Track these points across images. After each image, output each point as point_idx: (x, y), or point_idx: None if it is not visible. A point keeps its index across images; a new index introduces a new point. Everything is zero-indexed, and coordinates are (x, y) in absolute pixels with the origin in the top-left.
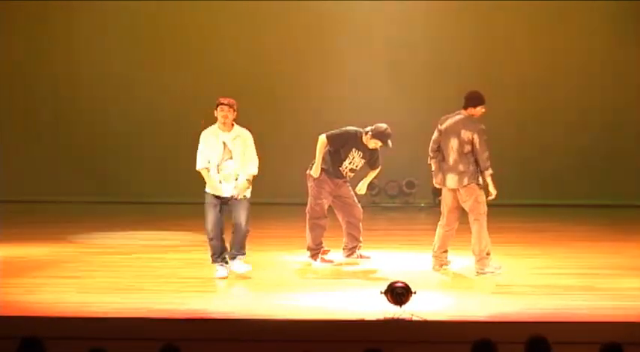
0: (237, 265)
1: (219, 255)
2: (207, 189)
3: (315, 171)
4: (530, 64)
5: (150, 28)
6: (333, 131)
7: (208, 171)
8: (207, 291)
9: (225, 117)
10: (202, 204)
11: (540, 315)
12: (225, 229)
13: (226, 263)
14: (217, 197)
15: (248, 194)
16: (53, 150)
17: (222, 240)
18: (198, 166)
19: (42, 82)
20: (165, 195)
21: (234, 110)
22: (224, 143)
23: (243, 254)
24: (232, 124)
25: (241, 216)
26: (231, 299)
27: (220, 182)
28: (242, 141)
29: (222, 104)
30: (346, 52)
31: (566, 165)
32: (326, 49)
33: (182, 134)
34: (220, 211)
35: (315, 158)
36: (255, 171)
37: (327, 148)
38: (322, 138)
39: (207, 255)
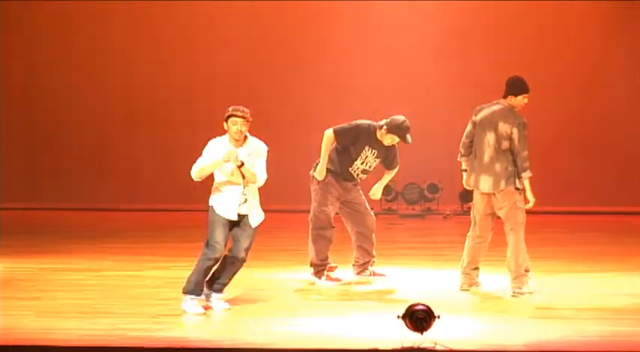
0: (217, 301)
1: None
2: (217, 209)
3: (319, 172)
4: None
5: (147, 28)
6: (341, 125)
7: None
8: (190, 315)
9: (239, 132)
10: (184, 212)
11: (587, 343)
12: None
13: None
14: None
15: (256, 222)
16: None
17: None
18: (194, 175)
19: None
20: (139, 202)
21: (248, 122)
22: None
23: (223, 291)
24: (246, 137)
25: (244, 244)
26: (217, 326)
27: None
28: (256, 156)
29: (234, 115)
30: (358, 48)
31: (616, 169)
32: (337, 47)
33: (157, 136)
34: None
35: (319, 157)
36: (261, 182)
37: (334, 145)
38: (329, 133)
39: (189, 271)
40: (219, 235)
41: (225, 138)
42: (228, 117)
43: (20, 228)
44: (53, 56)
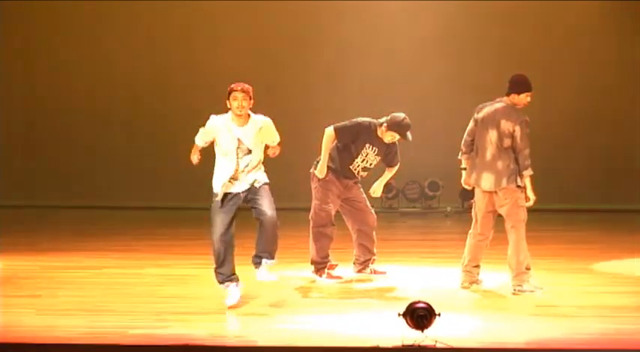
0: (262, 272)
1: (232, 272)
2: (216, 188)
3: (320, 170)
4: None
5: (147, 27)
6: (342, 123)
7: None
8: (191, 313)
9: (241, 107)
10: (185, 210)
11: (588, 341)
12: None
13: (237, 282)
14: (227, 197)
15: (266, 178)
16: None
17: (232, 255)
18: (198, 142)
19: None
20: (140, 200)
21: (250, 98)
22: (239, 140)
23: (272, 257)
24: (248, 115)
25: (263, 203)
26: (219, 323)
27: (232, 181)
28: (264, 133)
29: (235, 90)
30: (359, 47)
31: (617, 166)
32: (340, 46)
33: (158, 134)
34: (232, 217)
35: (320, 154)
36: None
37: (335, 143)
38: (329, 131)
39: (190, 269)
40: (219, 222)
41: (228, 116)
42: (229, 93)
43: (21, 226)
44: (53, 56)
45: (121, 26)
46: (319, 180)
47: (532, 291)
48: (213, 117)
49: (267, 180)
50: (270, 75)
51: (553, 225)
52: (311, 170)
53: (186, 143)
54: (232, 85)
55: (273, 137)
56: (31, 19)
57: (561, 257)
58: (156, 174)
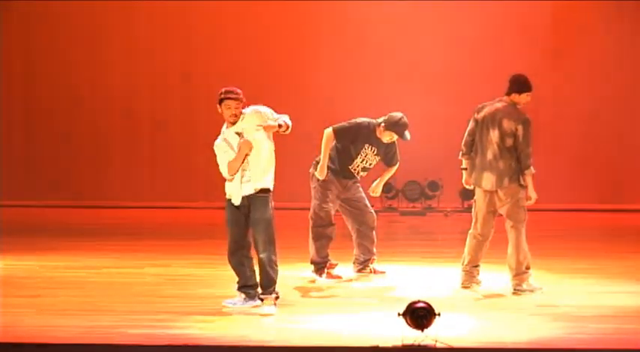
0: (263, 308)
1: (246, 284)
2: (227, 195)
3: (320, 171)
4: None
5: (147, 27)
6: (341, 124)
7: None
8: (192, 313)
9: (234, 116)
10: (184, 209)
11: (588, 341)
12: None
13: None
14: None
15: (257, 186)
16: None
17: (250, 260)
18: (227, 174)
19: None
20: (140, 200)
21: (242, 102)
22: (228, 142)
23: (268, 293)
24: (241, 113)
25: (257, 238)
26: (219, 323)
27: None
28: (248, 121)
29: (228, 99)
30: (358, 46)
31: (617, 166)
32: (339, 46)
33: (157, 133)
34: (244, 226)
35: (319, 154)
36: (288, 121)
37: (334, 144)
38: (328, 132)
39: (190, 269)
40: (231, 235)
41: (223, 128)
42: (220, 100)
43: (20, 226)
44: (53, 56)
45: (121, 26)
46: (318, 179)
47: (532, 291)
48: (215, 144)
49: (262, 185)
50: (269, 75)
51: (553, 225)
52: (310, 170)
53: (186, 143)
54: (223, 92)
55: (259, 120)
56: (31, 19)
57: (561, 257)
58: (156, 174)
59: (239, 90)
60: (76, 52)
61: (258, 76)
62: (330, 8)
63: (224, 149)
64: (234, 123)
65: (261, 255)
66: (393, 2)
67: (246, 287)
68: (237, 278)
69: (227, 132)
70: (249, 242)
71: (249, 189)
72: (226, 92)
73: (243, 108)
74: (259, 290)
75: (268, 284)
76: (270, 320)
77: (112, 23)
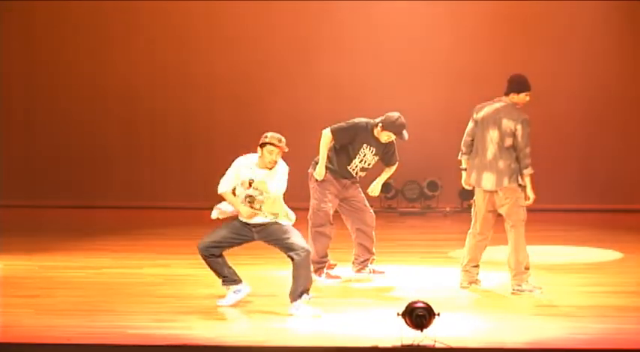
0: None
1: (224, 274)
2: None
3: (319, 172)
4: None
5: (147, 28)
6: (339, 124)
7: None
8: (190, 313)
9: (273, 162)
10: (183, 209)
11: (588, 341)
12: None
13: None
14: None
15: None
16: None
17: (220, 256)
18: (221, 190)
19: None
20: (139, 200)
21: (283, 152)
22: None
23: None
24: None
25: (290, 241)
26: (217, 323)
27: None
28: (271, 176)
29: (272, 144)
30: (358, 46)
31: (614, 167)
32: (339, 46)
33: (157, 134)
34: (237, 237)
35: (318, 154)
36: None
37: (332, 144)
38: (327, 133)
39: (189, 269)
40: (218, 235)
41: (255, 159)
42: (265, 144)
43: (19, 226)
44: (53, 56)
45: (121, 26)
46: (317, 180)
47: (531, 291)
48: (239, 159)
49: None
50: (269, 75)
51: (553, 225)
52: (309, 170)
53: (186, 143)
54: (269, 137)
55: (275, 183)
56: (31, 19)
57: (561, 257)
58: (155, 174)
59: (283, 139)
60: (76, 52)
61: (259, 76)
62: (330, 8)
63: (237, 175)
64: (269, 168)
65: (296, 255)
66: (393, 2)
67: (229, 280)
68: (216, 276)
69: (254, 168)
70: (224, 250)
71: (259, 220)
72: (272, 138)
73: (281, 156)
74: (305, 295)
75: (299, 285)
76: (270, 321)
77: (112, 23)
